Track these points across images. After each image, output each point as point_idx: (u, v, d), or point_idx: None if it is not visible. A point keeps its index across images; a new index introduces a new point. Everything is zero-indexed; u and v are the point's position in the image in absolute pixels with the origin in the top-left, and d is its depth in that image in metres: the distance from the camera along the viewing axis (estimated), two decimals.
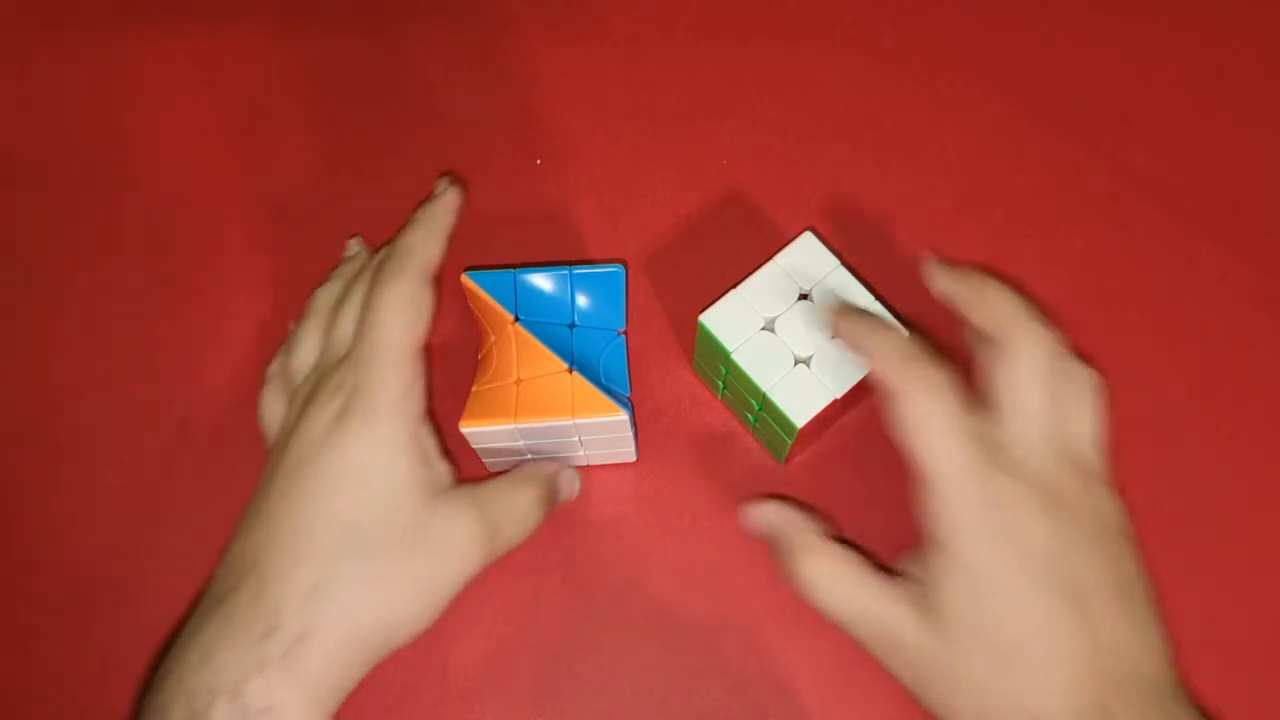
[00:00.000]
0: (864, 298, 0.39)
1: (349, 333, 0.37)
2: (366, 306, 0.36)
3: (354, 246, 0.44)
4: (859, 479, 0.43)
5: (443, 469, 0.37)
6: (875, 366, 0.35)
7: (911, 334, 0.37)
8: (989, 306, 0.36)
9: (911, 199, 0.47)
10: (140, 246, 0.48)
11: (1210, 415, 0.44)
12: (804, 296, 0.40)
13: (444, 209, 0.39)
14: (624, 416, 0.38)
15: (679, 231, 0.47)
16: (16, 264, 0.48)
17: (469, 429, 0.39)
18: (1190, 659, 0.35)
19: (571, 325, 0.42)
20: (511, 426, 0.38)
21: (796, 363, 0.39)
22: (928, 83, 0.49)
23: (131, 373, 0.46)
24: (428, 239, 0.38)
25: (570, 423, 0.38)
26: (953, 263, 0.38)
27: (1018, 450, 0.34)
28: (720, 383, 0.42)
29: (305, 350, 0.40)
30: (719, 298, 0.40)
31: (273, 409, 0.39)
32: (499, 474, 0.40)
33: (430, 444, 0.37)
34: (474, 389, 0.40)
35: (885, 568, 0.36)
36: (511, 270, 0.42)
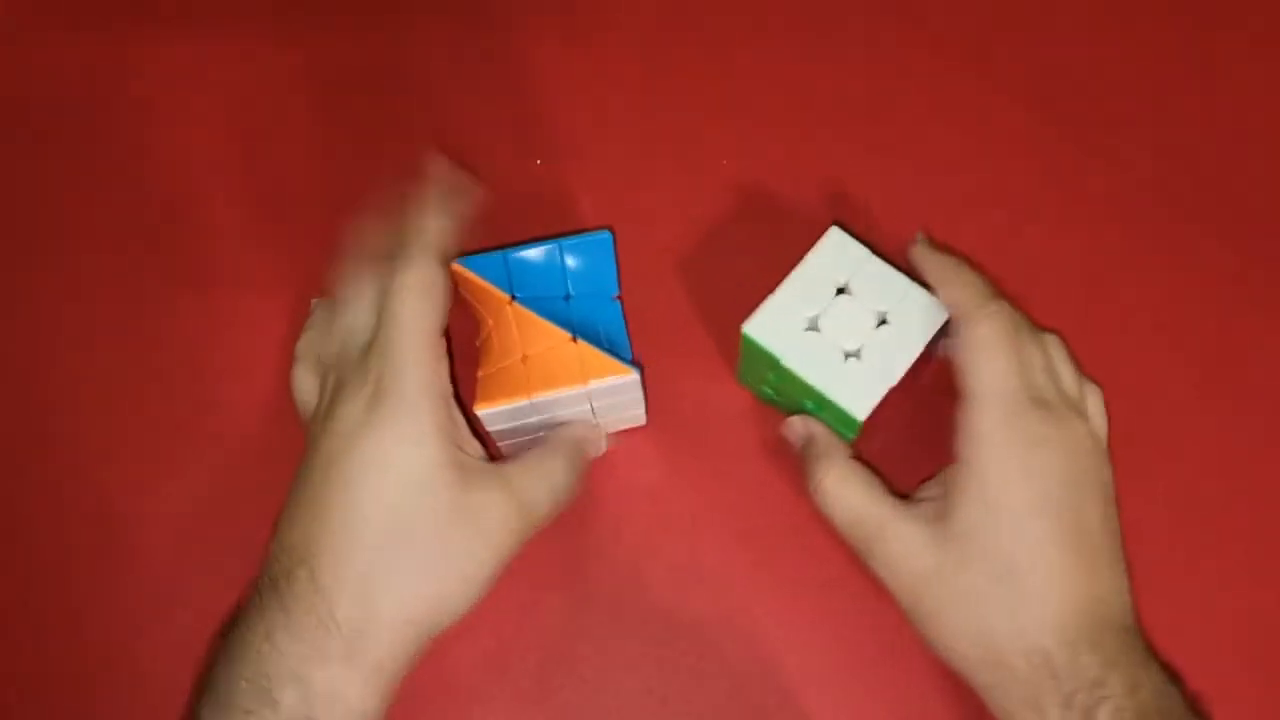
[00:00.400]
0: (901, 282, 0.40)
1: (371, 318, 0.38)
2: (384, 293, 0.37)
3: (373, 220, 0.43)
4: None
5: (474, 449, 0.38)
6: (958, 295, 0.38)
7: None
8: (956, 286, 0.38)
9: (912, 199, 0.47)
10: (140, 246, 0.48)
11: (1211, 415, 0.44)
12: (841, 291, 0.40)
13: (452, 189, 0.40)
14: (634, 376, 0.39)
15: (679, 231, 0.47)
16: (16, 264, 0.48)
17: (484, 411, 0.39)
18: (1191, 658, 0.35)
19: (567, 297, 0.42)
20: (526, 402, 0.39)
21: (847, 357, 0.39)
22: (929, 82, 0.49)
23: (131, 371, 0.46)
24: (439, 220, 0.38)
25: (584, 390, 0.39)
26: (936, 244, 0.41)
27: (1048, 395, 0.36)
28: (768, 389, 0.42)
29: (333, 330, 0.40)
30: (756, 306, 0.39)
31: (305, 387, 0.40)
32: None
33: (460, 426, 0.37)
34: (480, 374, 0.40)
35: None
36: (501, 251, 0.42)
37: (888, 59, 0.50)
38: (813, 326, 0.39)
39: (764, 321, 0.39)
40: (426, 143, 0.48)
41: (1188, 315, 0.45)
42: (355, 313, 0.38)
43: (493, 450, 0.41)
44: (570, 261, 0.43)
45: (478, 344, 0.42)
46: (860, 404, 0.38)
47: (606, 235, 0.43)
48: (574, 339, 0.39)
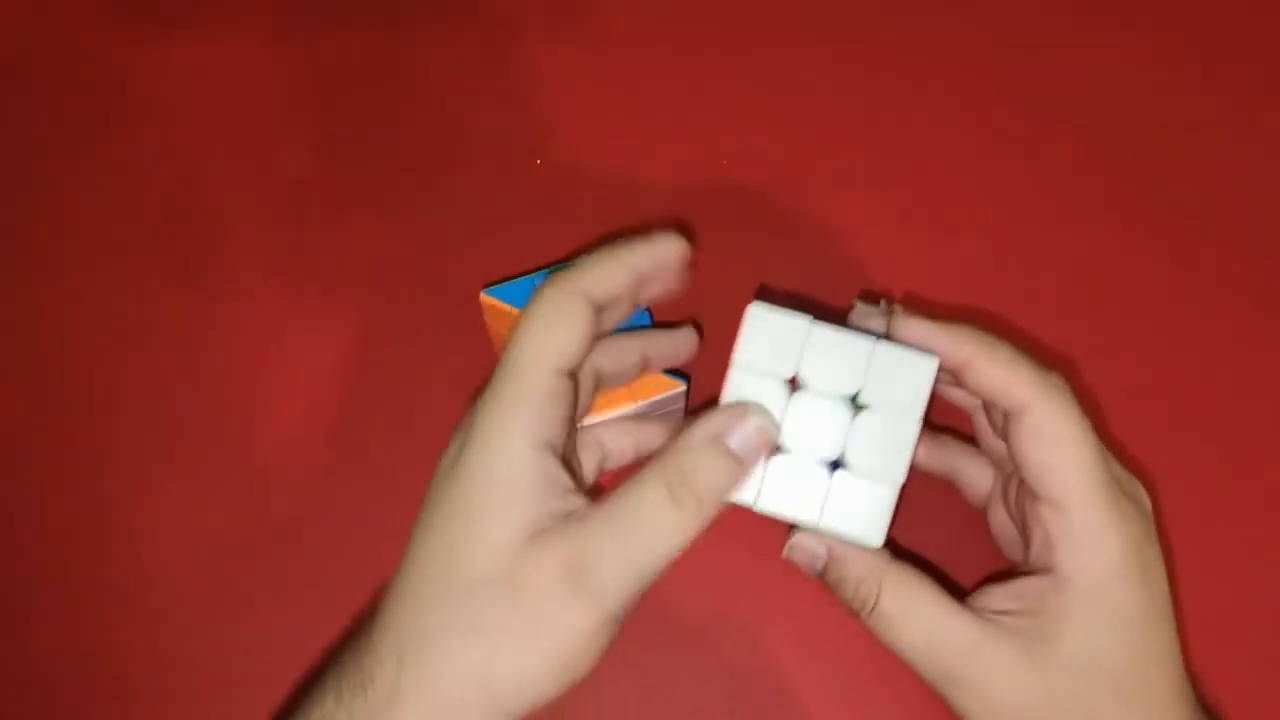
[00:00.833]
0: (861, 345, 0.32)
1: None
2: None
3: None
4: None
5: (565, 505, 0.31)
6: (1001, 377, 0.32)
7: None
8: (992, 365, 0.32)
9: (912, 199, 0.47)
10: (140, 246, 0.48)
11: (1211, 415, 0.44)
12: (793, 383, 0.32)
13: (646, 247, 0.34)
14: (682, 387, 0.37)
15: (680, 232, 0.47)
16: (17, 264, 0.48)
17: None
18: (1195, 661, 0.35)
19: None
20: (577, 428, 0.38)
21: (833, 469, 0.32)
22: (928, 83, 0.49)
23: (131, 372, 0.46)
24: (607, 264, 0.33)
25: (633, 408, 0.37)
26: (912, 309, 0.34)
27: (1121, 477, 0.33)
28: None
29: None
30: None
31: None
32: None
33: (553, 481, 0.31)
34: None
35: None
36: (529, 276, 0.41)
37: (888, 59, 0.49)
38: (775, 447, 0.32)
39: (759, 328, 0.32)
40: (426, 142, 0.49)
41: (1188, 315, 0.45)
42: None
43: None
44: None
45: None
46: (872, 528, 0.32)
47: (644, 316, 0.41)
48: None
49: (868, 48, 0.50)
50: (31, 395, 0.46)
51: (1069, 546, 0.31)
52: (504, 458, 0.31)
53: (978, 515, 0.38)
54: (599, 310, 0.32)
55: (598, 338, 0.33)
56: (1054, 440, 0.31)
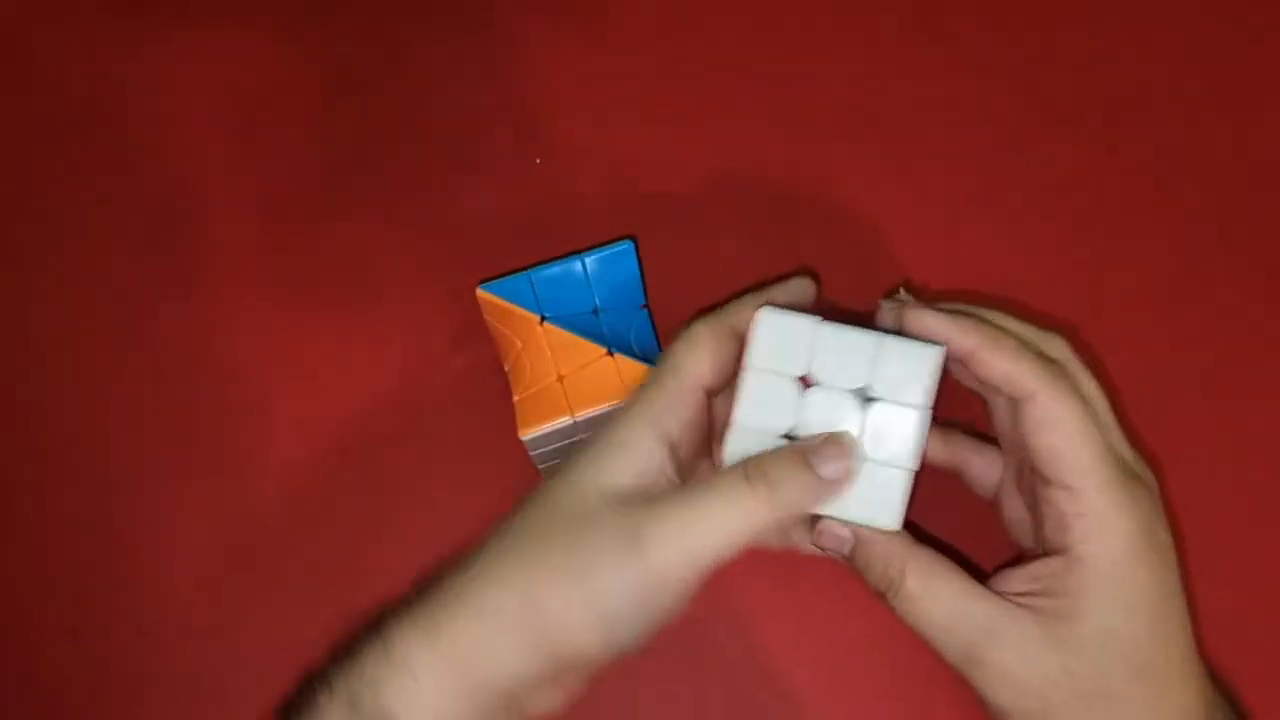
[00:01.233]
0: (868, 341, 0.33)
1: None
2: None
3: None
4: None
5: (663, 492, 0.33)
6: (1005, 366, 0.33)
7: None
8: (998, 353, 0.34)
9: (912, 199, 0.47)
10: (140, 246, 0.48)
11: (1212, 415, 0.44)
12: (804, 381, 0.34)
13: (785, 288, 0.37)
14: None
15: (680, 231, 0.47)
16: (16, 264, 0.48)
17: (529, 435, 0.39)
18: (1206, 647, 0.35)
19: (595, 311, 0.42)
20: (569, 421, 0.38)
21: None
22: (929, 82, 0.49)
23: (131, 372, 0.46)
24: (750, 302, 0.35)
25: (595, 412, 0.39)
26: (919, 294, 0.36)
27: (1129, 459, 0.34)
28: None
29: None
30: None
31: None
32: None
33: (660, 463, 0.33)
34: (516, 399, 0.40)
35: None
36: (525, 272, 0.42)
37: (891, 57, 0.49)
38: (790, 436, 0.33)
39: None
40: (427, 143, 0.48)
41: (1189, 315, 0.45)
42: None
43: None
44: (594, 274, 0.42)
45: (506, 369, 0.41)
46: (889, 513, 0.33)
47: (629, 245, 0.42)
48: (610, 353, 0.39)
49: (869, 47, 0.50)
50: (29, 395, 0.46)
51: (1082, 528, 0.32)
52: (621, 434, 0.33)
53: (990, 505, 0.39)
54: (741, 341, 0.35)
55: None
56: (1061, 427, 0.32)
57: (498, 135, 0.48)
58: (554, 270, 0.42)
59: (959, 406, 0.38)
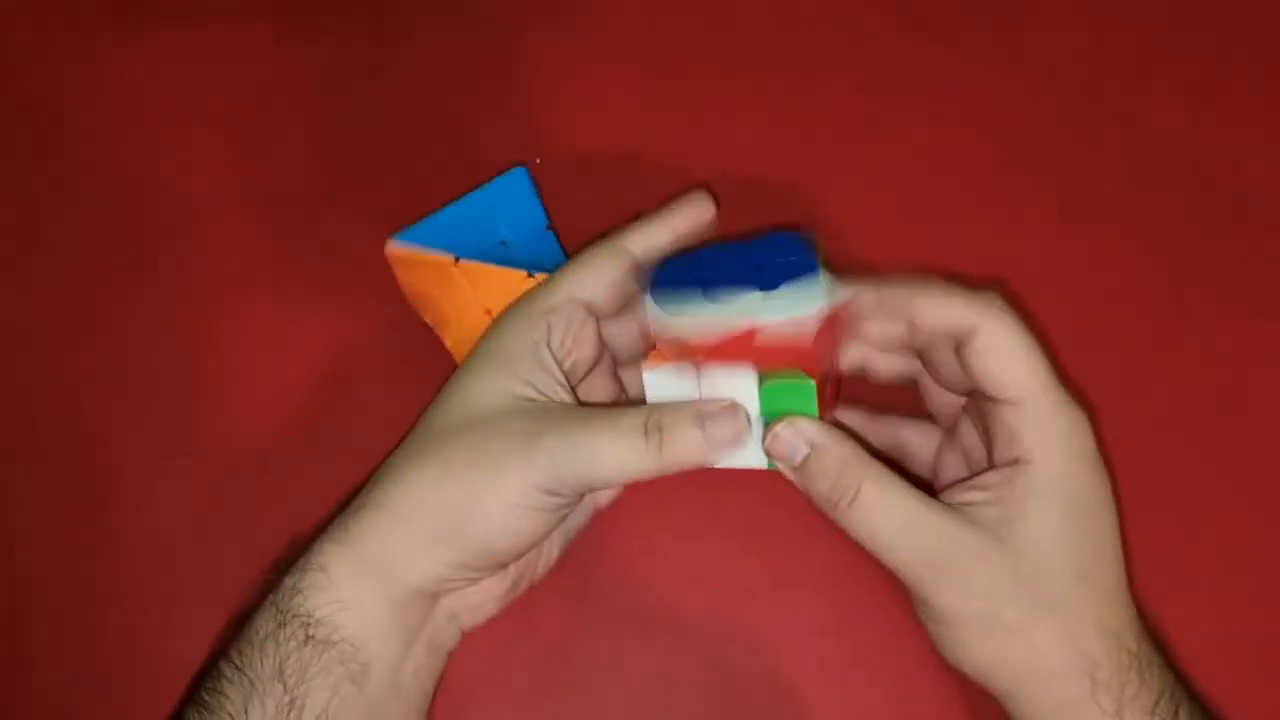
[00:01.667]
0: (746, 377, 0.35)
1: None
2: None
3: None
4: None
5: (553, 395, 0.36)
6: (945, 307, 0.35)
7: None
8: (935, 299, 0.35)
9: (911, 199, 0.47)
10: (140, 246, 0.48)
11: (1210, 415, 0.44)
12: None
13: (685, 209, 0.39)
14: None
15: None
16: (14, 264, 0.48)
17: None
18: (1192, 663, 0.35)
19: (503, 242, 0.43)
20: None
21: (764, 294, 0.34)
22: (928, 82, 0.49)
23: (131, 372, 0.46)
24: (650, 225, 0.38)
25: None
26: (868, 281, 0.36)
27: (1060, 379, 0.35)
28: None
29: None
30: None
31: None
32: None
33: (547, 366, 0.36)
34: (449, 344, 0.40)
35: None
36: (428, 218, 0.42)
37: (888, 58, 0.49)
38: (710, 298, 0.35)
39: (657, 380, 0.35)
40: (426, 142, 0.49)
41: (1189, 316, 0.45)
42: None
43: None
44: (494, 206, 0.43)
45: (429, 321, 0.42)
46: (808, 301, 0.33)
47: (521, 171, 0.43)
48: (530, 274, 0.40)
49: (868, 46, 0.50)
50: (27, 395, 0.46)
51: (1030, 435, 0.34)
52: (503, 341, 0.36)
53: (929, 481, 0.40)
54: (637, 266, 0.37)
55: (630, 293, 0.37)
56: (1006, 349, 0.34)
57: (498, 135, 0.48)
58: (455, 209, 0.43)
59: (888, 394, 0.40)
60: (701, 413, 0.34)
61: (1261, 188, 0.47)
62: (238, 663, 0.33)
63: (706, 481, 0.43)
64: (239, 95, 0.50)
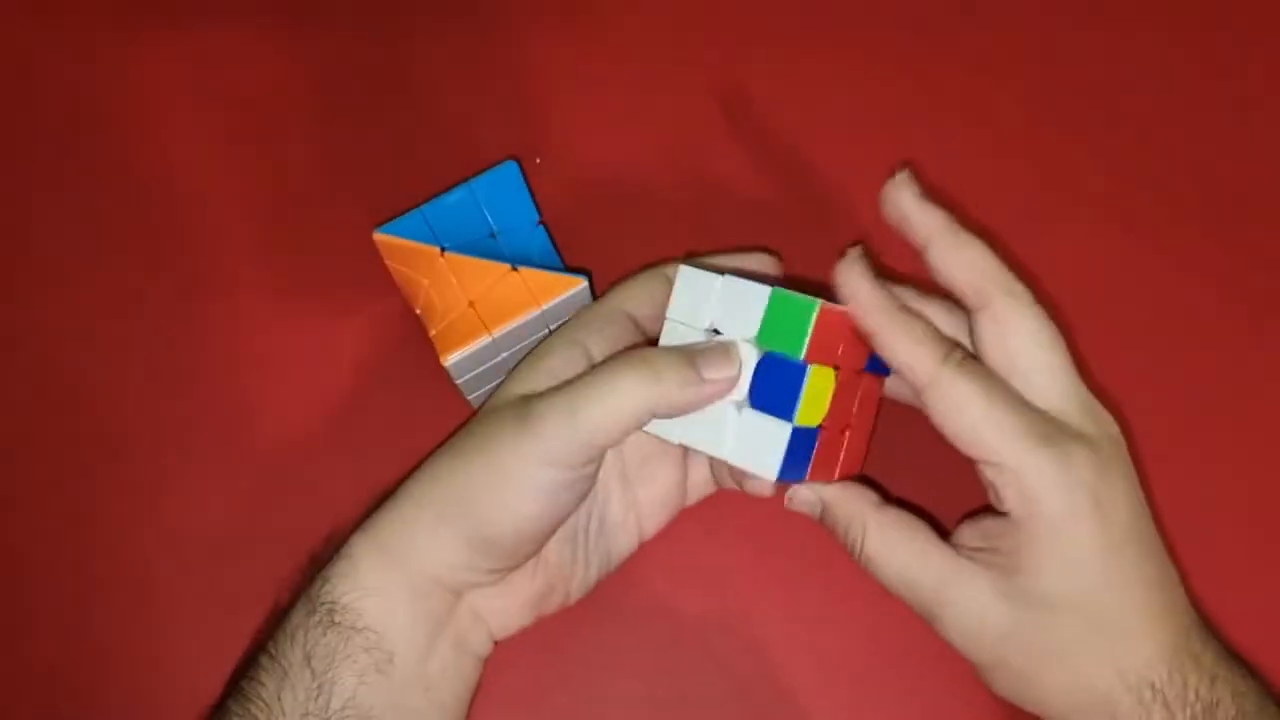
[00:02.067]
0: (758, 292, 0.34)
1: None
2: None
3: None
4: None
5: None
6: (908, 355, 0.34)
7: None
8: (966, 263, 0.34)
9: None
10: (139, 246, 0.48)
11: (1211, 415, 0.44)
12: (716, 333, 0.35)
13: (743, 258, 0.40)
14: (584, 284, 0.40)
15: (680, 231, 0.47)
16: (15, 263, 0.48)
17: (450, 360, 0.40)
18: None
19: (493, 235, 0.43)
20: (488, 340, 0.39)
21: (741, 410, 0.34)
22: (928, 82, 0.49)
23: (131, 372, 0.46)
24: (632, 287, 0.38)
25: (540, 312, 0.40)
26: (923, 193, 0.35)
27: (1055, 411, 0.34)
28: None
29: None
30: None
31: None
32: None
33: (576, 364, 0.36)
34: (433, 333, 0.40)
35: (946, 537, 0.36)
36: (418, 209, 0.42)
37: (889, 58, 0.49)
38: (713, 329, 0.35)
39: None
40: (426, 142, 0.49)
41: (1188, 315, 0.45)
42: None
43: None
44: (484, 198, 0.43)
45: (418, 311, 0.42)
46: (768, 463, 0.33)
47: (513, 164, 0.43)
48: (514, 268, 0.40)
49: (868, 47, 0.50)
50: (28, 394, 0.46)
51: (1011, 495, 0.33)
52: (540, 349, 0.36)
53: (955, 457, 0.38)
54: None
55: None
56: (966, 410, 0.33)
57: (498, 135, 0.48)
58: (445, 201, 0.43)
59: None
60: (692, 351, 0.34)
61: (1261, 186, 0.47)
62: (272, 652, 0.34)
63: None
64: (240, 95, 0.50)
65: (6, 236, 0.48)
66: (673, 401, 0.33)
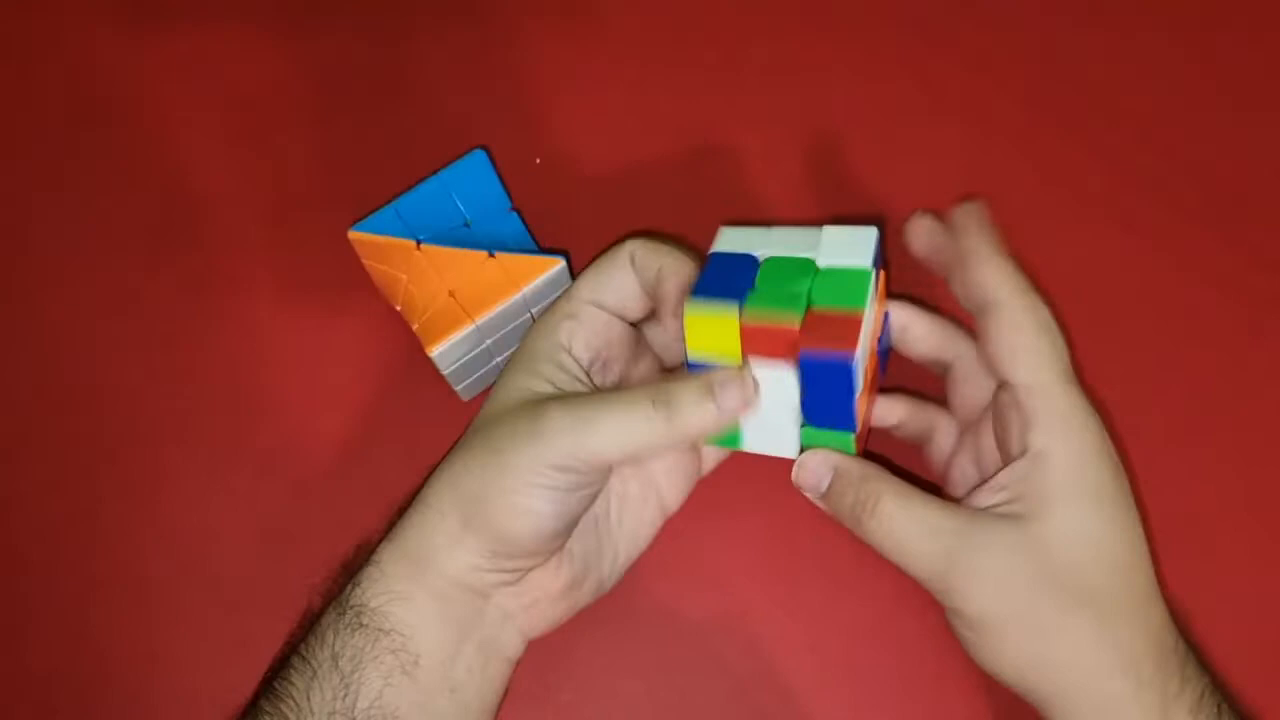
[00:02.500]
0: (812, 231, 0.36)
1: None
2: None
3: None
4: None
5: (572, 388, 0.37)
6: (980, 278, 0.35)
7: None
8: (980, 270, 0.36)
9: (911, 199, 0.47)
10: (139, 246, 0.48)
11: (1211, 415, 0.44)
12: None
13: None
14: (561, 264, 0.40)
15: (680, 231, 0.47)
16: (16, 263, 0.48)
17: (436, 350, 0.40)
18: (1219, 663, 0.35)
19: (466, 224, 0.43)
20: (472, 328, 0.40)
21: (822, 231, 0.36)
22: (928, 82, 0.49)
23: (131, 372, 0.46)
24: (678, 254, 0.38)
25: (521, 296, 0.40)
26: (942, 223, 0.38)
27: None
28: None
29: None
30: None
31: None
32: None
33: (565, 365, 0.37)
34: (415, 327, 0.40)
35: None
36: (390, 204, 0.43)
37: (890, 57, 0.50)
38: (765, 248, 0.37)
39: (728, 240, 0.37)
40: (426, 142, 0.49)
41: (1188, 315, 0.45)
42: None
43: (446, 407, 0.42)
44: (454, 188, 0.43)
45: (398, 308, 0.42)
46: (786, 443, 0.35)
47: (480, 153, 0.44)
48: (491, 254, 0.40)
49: (869, 46, 0.50)
50: (28, 394, 0.46)
51: (1049, 423, 0.33)
52: (528, 344, 0.37)
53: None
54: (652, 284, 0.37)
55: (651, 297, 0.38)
56: (1032, 329, 0.35)
57: (498, 135, 0.48)
58: (416, 194, 0.43)
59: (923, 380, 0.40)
60: (710, 381, 0.34)
61: (1261, 186, 0.47)
62: (303, 652, 0.35)
63: (707, 481, 0.43)
64: (240, 95, 0.50)
65: (6, 236, 0.48)
66: (689, 432, 0.34)
